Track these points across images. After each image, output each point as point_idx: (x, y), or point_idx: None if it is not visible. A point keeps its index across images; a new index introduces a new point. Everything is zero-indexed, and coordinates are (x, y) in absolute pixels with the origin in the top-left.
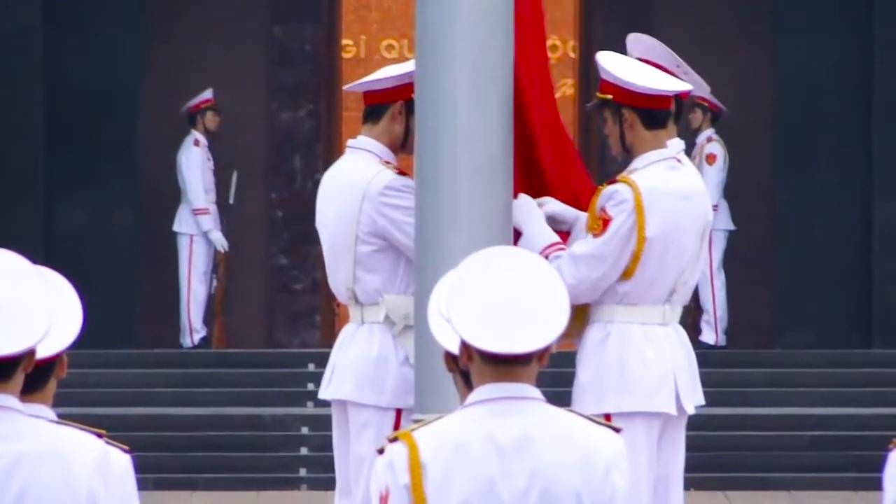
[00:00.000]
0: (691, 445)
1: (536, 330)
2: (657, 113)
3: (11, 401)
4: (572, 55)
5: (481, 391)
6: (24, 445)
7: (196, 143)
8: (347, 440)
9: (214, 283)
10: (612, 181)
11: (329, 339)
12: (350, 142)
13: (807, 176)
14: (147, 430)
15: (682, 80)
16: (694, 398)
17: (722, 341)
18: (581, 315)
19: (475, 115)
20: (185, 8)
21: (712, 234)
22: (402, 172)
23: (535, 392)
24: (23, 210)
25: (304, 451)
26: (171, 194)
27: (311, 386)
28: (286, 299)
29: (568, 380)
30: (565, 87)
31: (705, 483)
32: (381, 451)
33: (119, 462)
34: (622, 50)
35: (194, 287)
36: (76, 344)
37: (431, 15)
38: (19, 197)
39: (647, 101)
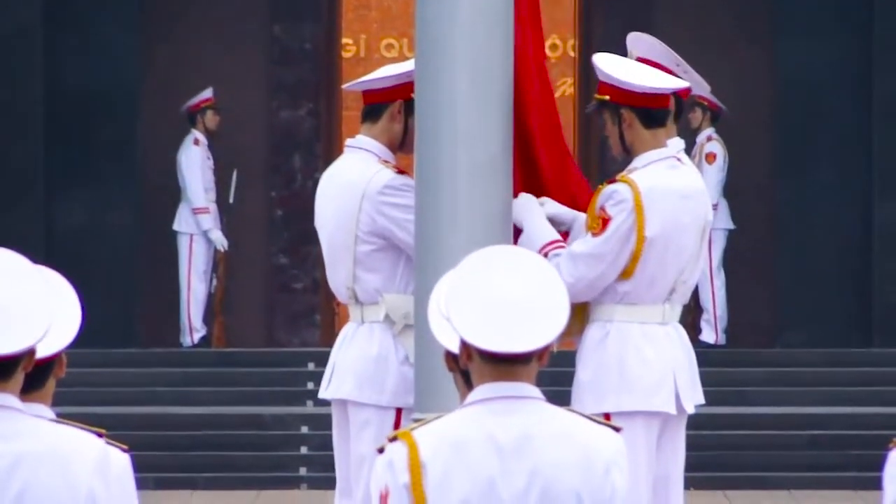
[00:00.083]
0: (691, 445)
1: (536, 329)
2: (655, 112)
3: (12, 400)
4: (572, 54)
5: (481, 390)
6: (24, 445)
7: (196, 142)
8: (347, 439)
9: (214, 282)
10: (612, 180)
11: (329, 338)
12: (349, 141)
13: (806, 175)
14: (147, 429)
15: (682, 79)
16: (694, 397)
17: (721, 340)
18: (581, 314)
19: (475, 115)
20: (184, 7)
21: (712, 234)
22: (401, 171)
23: (535, 391)
24: (23, 209)
25: (304, 450)
26: (171, 193)
27: (311, 385)
28: (286, 298)
29: (568, 379)
30: (565, 87)
31: (705, 482)
32: (381, 451)
33: (118, 461)
34: (622, 49)
35: (194, 286)
36: (76, 343)
37: (431, 14)
38: (19, 196)
39: (645, 100)
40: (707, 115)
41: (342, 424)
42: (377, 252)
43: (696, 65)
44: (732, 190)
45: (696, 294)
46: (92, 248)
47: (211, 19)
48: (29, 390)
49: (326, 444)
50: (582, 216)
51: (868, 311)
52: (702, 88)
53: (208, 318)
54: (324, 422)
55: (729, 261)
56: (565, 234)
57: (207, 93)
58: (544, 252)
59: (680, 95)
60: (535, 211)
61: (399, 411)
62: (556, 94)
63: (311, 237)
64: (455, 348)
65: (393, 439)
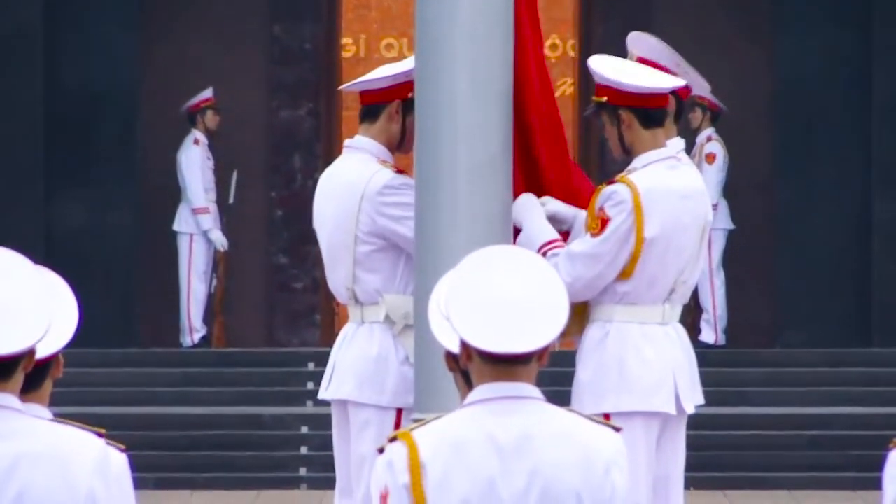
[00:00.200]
0: (690, 445)
1: (536, 329)
2: (653, 111)
3: (11, 400)
4: (572, 54)
5: (481, 390)
6: (23, 445)
7: (196, 142)
8: (347, 440)
9: (214, 282)
10: (611, 181)
11: (329, 338)
12: (347, 142)
13: (806, 175)
14: (147, 429)
15: (682, 79)
16: (693, 398)
17: (721, 340)
18: (581, 314)
19: (475, 115)
20: (184, 7)
21: (712, 234)
22: (400, 171)
23: (535, 391)
24: (22, 209)
25: (303, 450)
26: (171, 193)
27: (310, 385)
28: (286, 298)
29: (568, 379)
30: (565, 87)
31: (705, 482)
32: (381, 451)
33: (117, 461)
34: (622, 49)
35: (194, 286)
36: (76, 343)
37: (431, 14)
38: (19, 196)
39: (642, 100)
40: (707, 116)
41: (342, 425)
42: (377, 252)
43: (695, 64)
44: (732, 190)
45: (695, 294)
46: (92, 248)
47: (211, 19)
48: (26, 391)
49: (326, 444)
50: (583, 214)
51: (867, 310)
52: (702, 88)
53: (208, 318)
54: (324, 422)
55: (728, 261)
56: (567, 233)
57: (207, 93)
58: (543, 252)
59: (680, 96)
60: (535, 210)
61: (399, 411)
62: (556, 94)
63: (311, 237)
64: (455, 348)
65: (393, 439)
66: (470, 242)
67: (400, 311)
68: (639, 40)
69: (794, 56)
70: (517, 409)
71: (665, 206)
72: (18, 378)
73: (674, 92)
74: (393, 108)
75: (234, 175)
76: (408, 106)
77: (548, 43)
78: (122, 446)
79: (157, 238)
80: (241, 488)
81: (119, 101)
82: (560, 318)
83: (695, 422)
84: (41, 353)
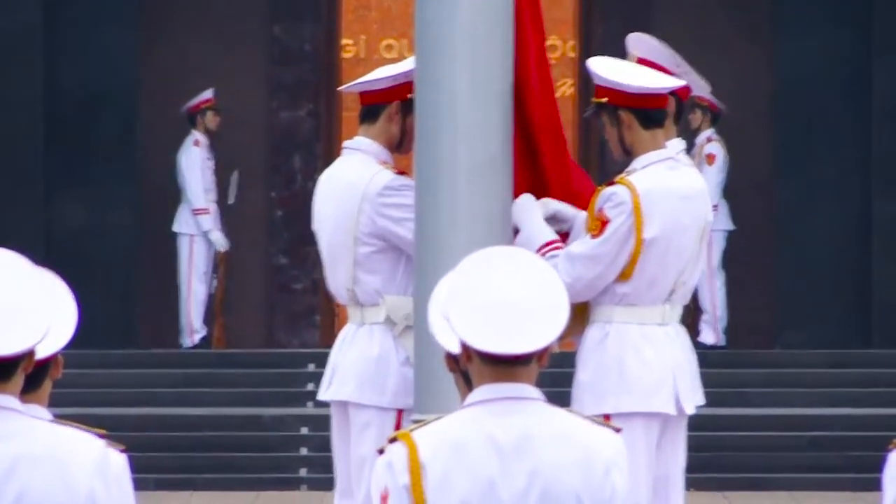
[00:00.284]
0: (690, 446)
1: (536, 330)
2: (653, 112)
3: (11, 401)
4: (572, 55)
5: (480, 391)
6: (23, 446)
7: (196, 143)
8: (347, 441)
9: (214, 283)
10: (611, 182)
11: (329, 339)
12: (346, 143)
13: (806, 176)
14: (147, 430)
15: (682, 80)
16: (694, 398)
17: (721, 341)
18: (581, 315)
19: (475, 115)
20: (184, 7)
21: (712, 235)
22: (400, 172)
23: (535, 392)
24: (22, 209)
25: (303, 451)
26: (171, 194)
27: (310, 386)
28: (286, 299)
29: (568, 380)
30: (565, 87)
31: (705, 483)
32: (381, 452)
33: (117, 462)
34: (622, 50)
35: (194, 287)
36: (76, 344)
37: (431, 14)
38: (19, 196)
39: (642, 101)
40: (707, 116)
41: (342, 426)
42: (377, 253)
43: (695, 65)
44: (732, 190)
45: (695, 295)
46: (91, 249)
47: (211, 20)
48: (25, 391)
49: (326, 445)
50: (583, 214)
51: (867, 311)
52: (702, 89)
53: (208, 318)
54: (324, 423)
55: (728, 261)
56: (567, 234)
57: (207, 93)
58: (542, 253)
59: (680, 96)
60: (534, 212)
61: (400, 412)
62: (556, 95)
63: (311, 238)
64: (455, 349)
65: (393, 440)
66: (470, 243)
67: (400, 312)
68: (639, 41)
69: (794, 56)
70: (517, 409)
71: (665, 208)
72: (18, 379)
73: (673, 93)
74: (392, 108)
75: (234, 176)
76: (407, 106)
77: (547, 44)
78: (122, 447)
79: (156, 238)
80: (241, 489)
81: (119, 101)
82: (560, 319)
83: (694, 422)
84: (40, 354)
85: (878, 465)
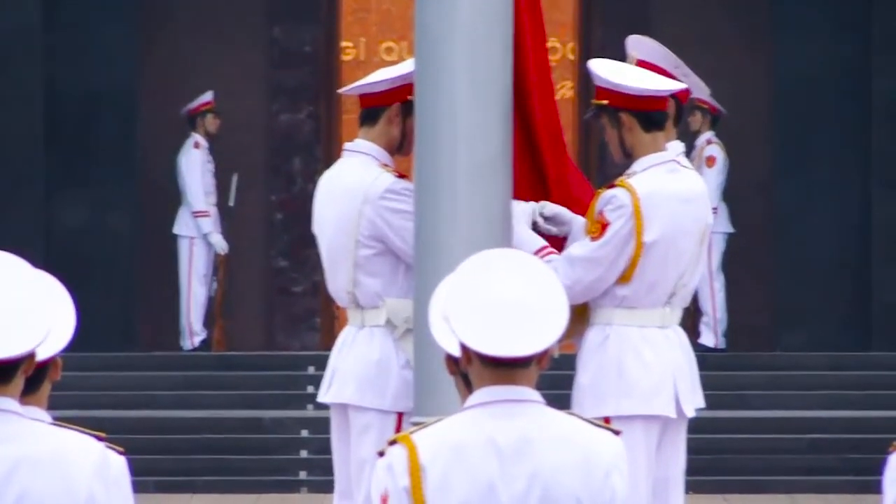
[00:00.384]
0: (690, 448)
1: (535, 333)
2: (654, 114)
3: (11, 404)
4: (571, 57)
5: (480, 394)
6: (23, 449)
7: (196, 145)
8: (347, 443)
9: (214, 285)
10: (611, 185)
11: (329, 341)
12: (347, 145)
13: (805, 177)
14: (147, 432)
15: (681, 82)
16: (694, 401)
17: (721, 344)
18: (581, 317)
19: (475, 117)
20: (183, 9)
21: (711, 237)
22: (401, 175)
23: (535, 395)
24: (22, 211)
25: (303, 453)
26: (170, 196)
27: (310, 389)
28: (286, 302)
29: (568, 382)
30: (564, 90)
31: (704, 486)
32: (381, 454)
33: (116, 465)
34: (622, 52)
35: (194, 290)
36: (76, 346)
37: (430, 16)
38: (18, 197)
39: (643, 103)
40: (707, 119)
41: (342, 428)
42: (378, 256)
43: (694, 67)
44: (732, 192)
45: (695, 297)
46: (91, 251)
47: (210, 22)
48: (24, 394)
49: (326, 447)
50: (580, 220)
51: (867, 313)
52: (701, 91)
53: (208, 321)
54: (324, 425)
55: (728, 264)
56: (564, 239)
57: (207, 96)
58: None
59: (679, 99)
60: (520, 221)
61: (400, 415)
62: (556, 98)
63: (311, 240)
64: (455, 351)
65: (393, 443)
66: (470, 244)
67: (401, 315)
68: (638, 43)
69: (794, 59)
70: (517, 412)
71: (665, 211)
72: (18, 382)
73: (673, 95)
74: (392, 111)
75: (235, 178)
76: (408, 109)
77: (547, 46)
78: (122, 449)
79: (156, 241)
80: (241, 492)
81: (119, 102)
82: (560, 321)
83: (694, 425)
84: (40, 357)
85: (878, 468)
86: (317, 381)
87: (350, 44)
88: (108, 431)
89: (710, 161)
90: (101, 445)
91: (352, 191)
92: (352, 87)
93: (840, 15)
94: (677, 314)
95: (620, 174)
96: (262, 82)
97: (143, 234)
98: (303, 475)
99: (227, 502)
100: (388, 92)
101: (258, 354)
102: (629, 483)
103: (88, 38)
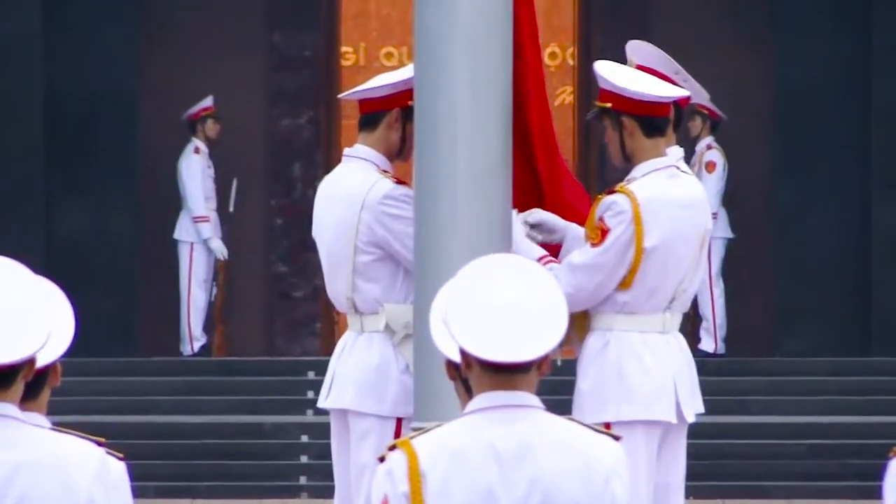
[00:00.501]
0: (690, 453)
1: (535, 338)
2: (656, 120)
3: (11, 409)
4: (571, 62)
5: (480, 399)
6: (23, 454)
7: (196, 150)
8: (347, 448)
9: (214, 290)
10: (611, 191)
11: (329, 347)
12: (347, 150)
13: (805, 182)
14: (147, 437)
15: (681, 87)
16: (694, 406)
17: (721, 349)
18: (582, 323)
19: (474, 122)
20: (184, 15)
21: (711, 242)
22: (400, 181)
23: (535, 400)
24: (22, 216)
25: (303, 458)
26: (170, 201)
27: (310, 394)
28: (286, 307)
29: (568, 388)
30: (564, 95)
31: (704, 491)
32: (381, 460)
33: (116, 470)
34: (621, 57)
35: (194, 295)
36: (76, 351)
37: (430, 21)
38: (19, 203)
39: (647, 109)
40: (707, 124)
41: (342, 434)
42: (377, 262)
43: (694, 71)
44: (731, 197)
45: (694, 303)
46: (91, 255)
47: (210, 27)
48: (24, 400)
49: (326, 452)
50: (574, 227)
51: (867, 319)
52: (701, 97)
53: (208, 326)
54: (324, 431)
55: (728, 269)
56: (557, 246)
57: (207, 101)
58: None
59: (679, 104)
60: (520, 231)
61: (399, 421)
62: (556, 103)
63: (311, 245)
64: (456, 357)
65: (392, 448)
66: (469, 248)
67: (400, 321)
68: (638, 48)
69: (794, 63)
70: (517, 417)
71: (665, 216)
72: (18, 387)
73: (674, 100)
74: (392, 116)
75: (235, 183)
76: (407, 114)
77: (547, 51)
78: (121, 455)
79: (157, 246)
80: (241, 497)
81: (119, 108)
82: (559, 326)
83: (694, 430)
84: (40, 362)
85: (879, 473)
86: (317, 386)
87: (350, 49)
88: (109, 437)
89: (710, 166)
90: (100, 450)
91: (351, 196)
92: (351, 93)
93: (840, 17)
94: (677, 319)
95: (620, 180)
96: (263, 87)
97: (143, 238)
98: (303, 480)
99: None
100: (388, 97)
101: (258, 360)
102: (629, 489)
103: (88, 44)
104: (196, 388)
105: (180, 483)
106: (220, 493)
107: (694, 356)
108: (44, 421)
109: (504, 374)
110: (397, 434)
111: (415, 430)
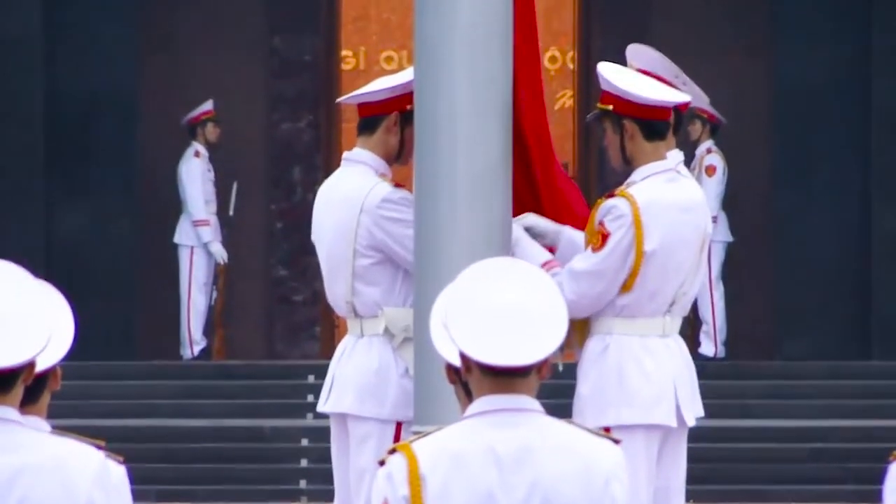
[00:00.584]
0: (690, 457)
1: (535, 342)
2: (658, 124)
3: (11, 413)
4: (571, 66)
5: (480, 403)
6: (24, 457)
7: (196, 154)
8: (346, 452)
9: (214, 294)
10: (611, 195)
11: (329, 350)
12: (346, 154)
13: (805, 185)
14: (147, 441)
15: (681, 91)
16: (694, 410)
17: (721, 353)
18: (582, 327)
19: (474, 124)
20: (184, 18)
21: (711, 246)
22: (398, 185)
23: (535, 404)
24: (22, 220)
25: (304, 462)
26: (170, 204)
27: (310, 397)
28: (286, 311)
29: (568, 391)
30: (564, 99)
31: (705, 495)
32: (381, 463)
33: (117, 473)
34: (621, 61)
35: (195, 298)
36: (76, 355)
37: (430, 25)
38: (19, 206)
39: (649, 112)
40: (706, 128)
41: (341, 437)
42: (376, 265)
43: (695, 75)
44: (731, 201)
45: (695, 306)
46: (92, 259)
47: (210, 31)
48: (24, 403)
49: (326, 456)
50: (567, 230)
51: (867, 322)
52: (701, 101)
53: (208, 330)
54: (324, 434)
55: (728, 272)
56: (551, 249)
57: (207, 105)
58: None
59: (678, 108)
60: (524, 235)
61: (399, 424)
62: (556, 107)
63: (311, 249)
64: (456, 361)
65: (392, 452)
66: (470, 252)
67: (399, 324)
68: (638, 53)
69: (794, 66)
70: (517, 421)
71: (665, 220)
72: (18, 391)
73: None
74: (391, 120)
75: (235, 187)
76: (406, 118)
77: (547, 55)
78: (122, 458)
79: (157, 249)
80: (241, 500)
81: (119, 111)
82: (559, 330)
83: (695, 434)
84: (39, 366)
85: (879, 477)
86: (317, 389)
87: (350, 53)
88: (109, 440)
89: (710, 170)
90: (101, 454)
91: (349, 200)
92: (349, 97)
93: (840, 19)
94: (677, 323)
95: (620, 183)
96: (263, 91)
97: (143, 241)
98: (303, 484)
99: None
100: (386, 101)
101: (258, 363)
102: (629, 492)
103: (89, 48)
104: (196, 391)
105: (181, 486)
106: (221, 496)
107: (694, 360)
108: (44, 424)
109: (504, 378)
110: (397, 438)
111: (415, 433)
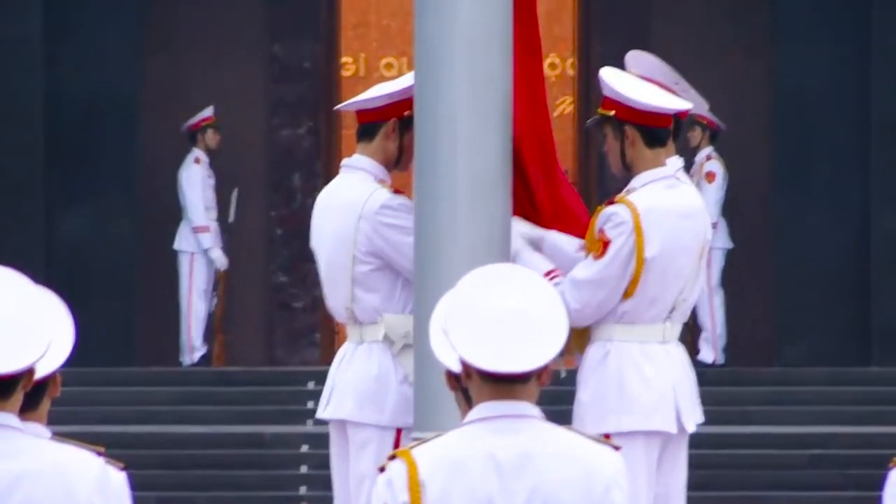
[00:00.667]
0: (691, 463)
1: (535, 349)
2: (659, 131)
3: (11, 419)
4: (571, 73)
5: (480, 409)
6: (24, 464)
7: (197, 160)
8: (346, 459)
9: (214, 301)
10: (611, 202)
11: (329, 357)
12: (344, 161)
13: (805, 190)
14: (147, 447)
15: (681, 97)
16: (694, 416)
17: (721, 359)
18: (582, 333)
19: (474, 130)
20: (184, 24)
21: (711, 253)
22: (398, 191)
23: (535, 410)
24: (22, 224)
25: (304, 468)
26: (171, 210)
27: (310, 404)
28: (286, 317)
29: (568, 398)
30: (564, 105)
31: (705, 501)
32: (381, 470)
33: (117, 480)
34: (621, 67)
35: (195, 305)
36: (76, 361)
37: (430, 31)
38: (19, 210)
39: (650, 119)
40: (706, 134)
41: (341, 444)
42: (375, 272)
43: (694, 80)
44: (731, 206)
45: (694, 313)
46: (92, 264)
47: (211, 37)
48: (24, 410)
49: (326, 463)
50: (551, 234)
51: (867, 328)
52: (701, 107)
53: (208, 336)
54: (324, 441)
55: (728, 278)
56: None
57: (208, 111)
58: None
59: (678, 115)
60: (526, 245)
61: (399, 431)
62: (555, 113)
63: (311, 256)
64: (456, 367)
65: (392, 458)
66: (469, 258)
67: (399, 331)
68: (638, 59)
69: (794, 71)
70: (517, 427)
71: (665, 226)
72: (18, 397)
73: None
74: (389, 126)
75: (235, 193)
76: (405, 124)
77: (547, 62)
78: (122, 465)
79: (157, 256)
80: None
81: (119, 116)
82: (559, 337)
83: (694, 441)
84: (39, 373)
85: (879, 483)
86: (317, 396)
87: (350, 59)
88: (109, 447)
89: (710, 177)
90: (101, 460)
91: (349, 207)
92: (348, 104)
93: (840, 26)
94: (677, 329)
95: (620, 190)
96: (263, 98)
97: (143, 247)
98: (303, 490)
99: None
100: (385, 108)
101: (258, 370)
102: (629, 499)
103: (89, 52)
104: (196, 398)
105: (181, 493)
106: (221, 502)
107: (693, 366)
108: (44, 431)
109: (504, 385)
110: (396, 444)
111: (414, 440)
